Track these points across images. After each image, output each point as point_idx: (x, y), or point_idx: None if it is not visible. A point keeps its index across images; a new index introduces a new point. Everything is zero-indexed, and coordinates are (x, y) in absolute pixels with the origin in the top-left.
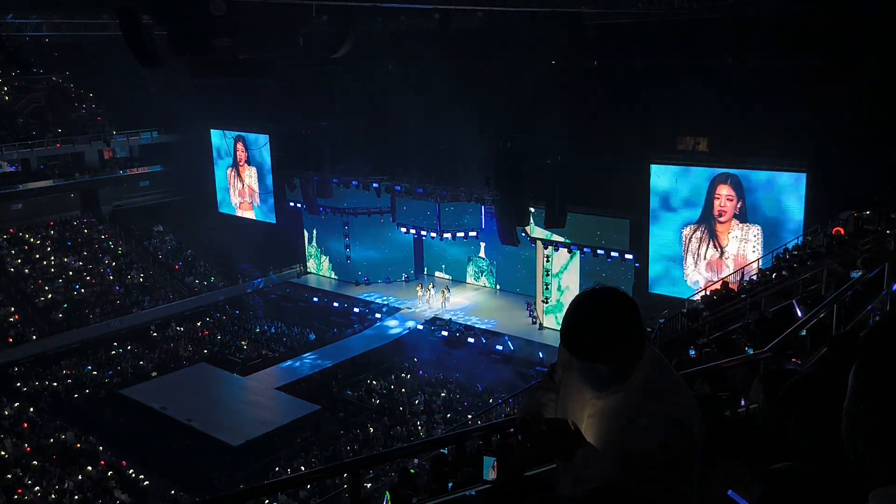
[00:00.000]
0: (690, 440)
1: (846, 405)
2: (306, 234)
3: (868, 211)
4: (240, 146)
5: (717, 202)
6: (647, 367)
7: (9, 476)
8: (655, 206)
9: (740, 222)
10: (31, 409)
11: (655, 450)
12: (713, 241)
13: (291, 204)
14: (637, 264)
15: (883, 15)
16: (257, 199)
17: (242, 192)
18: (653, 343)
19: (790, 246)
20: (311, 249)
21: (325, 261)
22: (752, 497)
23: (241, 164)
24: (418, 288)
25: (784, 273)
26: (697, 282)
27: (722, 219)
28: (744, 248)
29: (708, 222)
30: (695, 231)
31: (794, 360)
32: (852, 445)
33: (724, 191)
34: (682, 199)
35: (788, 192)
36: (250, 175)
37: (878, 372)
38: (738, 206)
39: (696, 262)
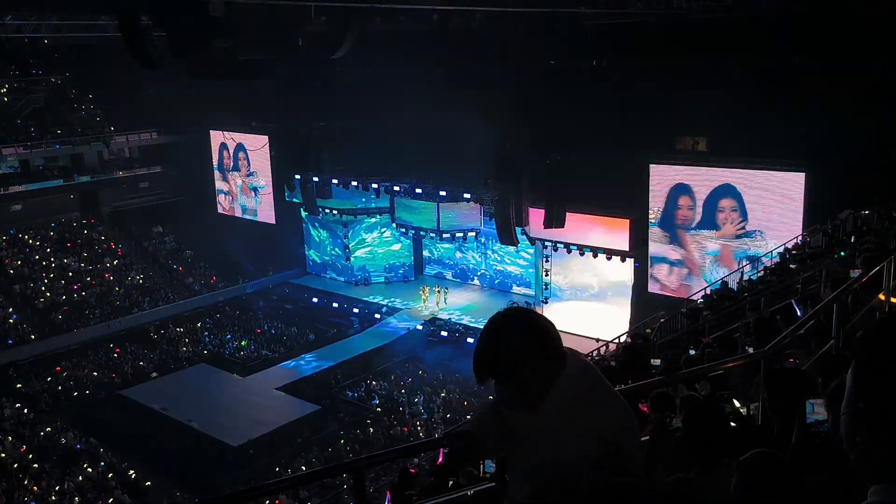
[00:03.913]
0: (620, 455)
1: (844, 404)
2: (305, 234)
3: (867, 210)
4: (239, 147)
5: (720, 215)
6: (571, 383)
7: (9, 477)
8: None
9: (697, 230)
10: (32, 411)
11: (588, 469)
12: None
13: (291, 204)
14: (637, 264)
15: (883, 15)
16: (256, 200)
17: (242, 193)
18: (581, 356)
19: (790, 245)
20: (310, 250)
21: (325, 261)
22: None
23: (240, 164)
24: (422, 290)
25: (783, 271)
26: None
27: (721, 230)
28: (700, 251)
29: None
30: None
31: (790, 360)
32: (851, 443)
33: (727, 204)
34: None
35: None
36: (250, 176)
37: (875, 372)
38: (737, 216)
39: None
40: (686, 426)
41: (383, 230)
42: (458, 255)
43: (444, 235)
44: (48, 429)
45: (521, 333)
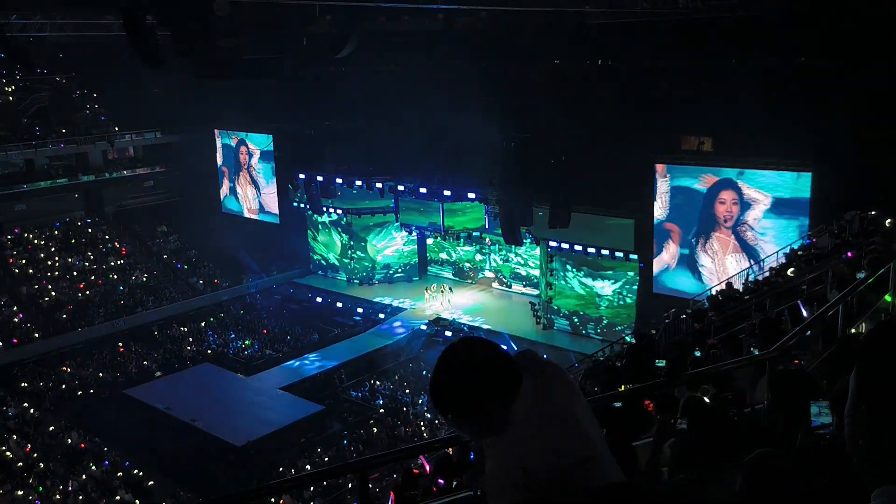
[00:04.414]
0: (539, 484)
1: (847, 407)
2: (310, 234)
3: (873, 211)
4: (243, 146)
5: (722, 206)
6: (523, 408)
7: (14, 476)
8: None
9: (742, 250)
10: (36, 410)
11: (508, 490)
12: (711, 248)
13: (295, 204)
14: (642, 264)
15: (886, 14)
16: (260, 200)
17: (246, 192)
18: (542, 372)
19: (796, 246)
20: (314, 249)
21: (329, 261)
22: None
23: (244, 164)
24: (428, 289)
25: (790, 273)
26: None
27: (727, 224)
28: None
29: (707, 232)
30: (700, 238)
31: (796, 361)
32: (854, 446)
33: (728, 196)
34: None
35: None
36: (254, 175)
37: (878, 374)
38: (737, 210)
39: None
40: (691, 427)
41: (387, 230)
42: (479, 257)
43: (449, 235)
44: (52, 428)
45: (472, 369)
